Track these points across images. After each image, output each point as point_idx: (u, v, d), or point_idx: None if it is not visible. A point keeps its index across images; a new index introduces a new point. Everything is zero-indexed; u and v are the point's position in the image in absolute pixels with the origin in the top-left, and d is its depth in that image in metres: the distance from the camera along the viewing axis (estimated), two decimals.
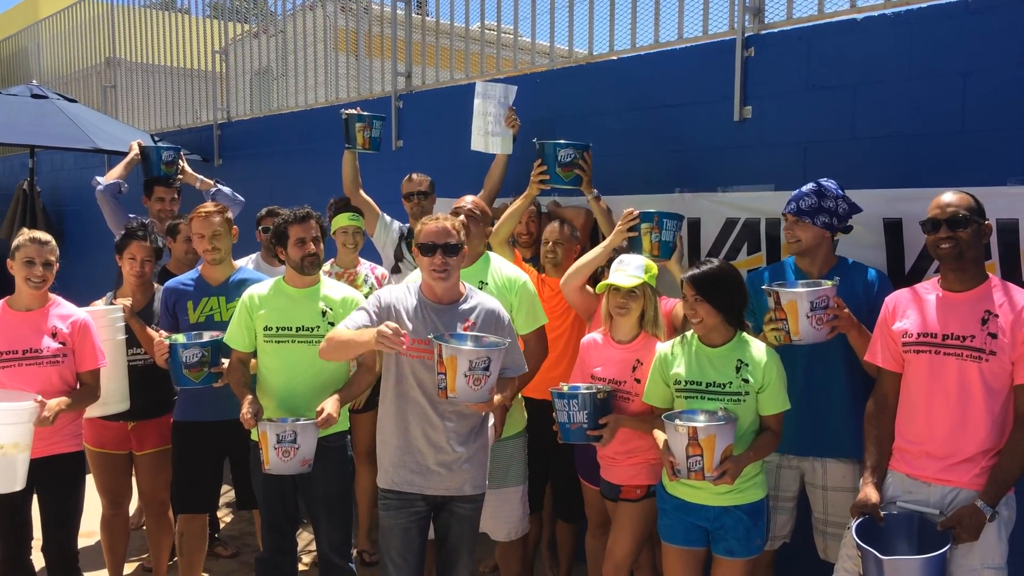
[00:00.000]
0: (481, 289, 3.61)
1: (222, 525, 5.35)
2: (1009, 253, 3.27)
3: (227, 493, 4.93)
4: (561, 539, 4.40)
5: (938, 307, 2.89)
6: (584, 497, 3.94)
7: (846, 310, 3.12)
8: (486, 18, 5.73)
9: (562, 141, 4.18)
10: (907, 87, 3.59)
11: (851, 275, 3.32)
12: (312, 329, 3.55)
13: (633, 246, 3.82)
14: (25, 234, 3.66)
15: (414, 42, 6.10)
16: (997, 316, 2.77)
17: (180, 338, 3.73)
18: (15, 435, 3.33)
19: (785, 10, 4.05)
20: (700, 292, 3.13)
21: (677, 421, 3.00)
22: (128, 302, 4.13)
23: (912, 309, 2.94)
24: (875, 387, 3.10)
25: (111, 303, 4.14)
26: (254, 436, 3.50)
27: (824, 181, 3.37)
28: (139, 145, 5.78)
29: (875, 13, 3.70)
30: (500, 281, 3.76)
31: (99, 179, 5.66)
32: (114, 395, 3.95)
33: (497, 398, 3.17)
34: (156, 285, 4.30)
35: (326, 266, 4.64)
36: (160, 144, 6.01)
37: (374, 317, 3.20)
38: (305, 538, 4.82)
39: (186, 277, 4.10)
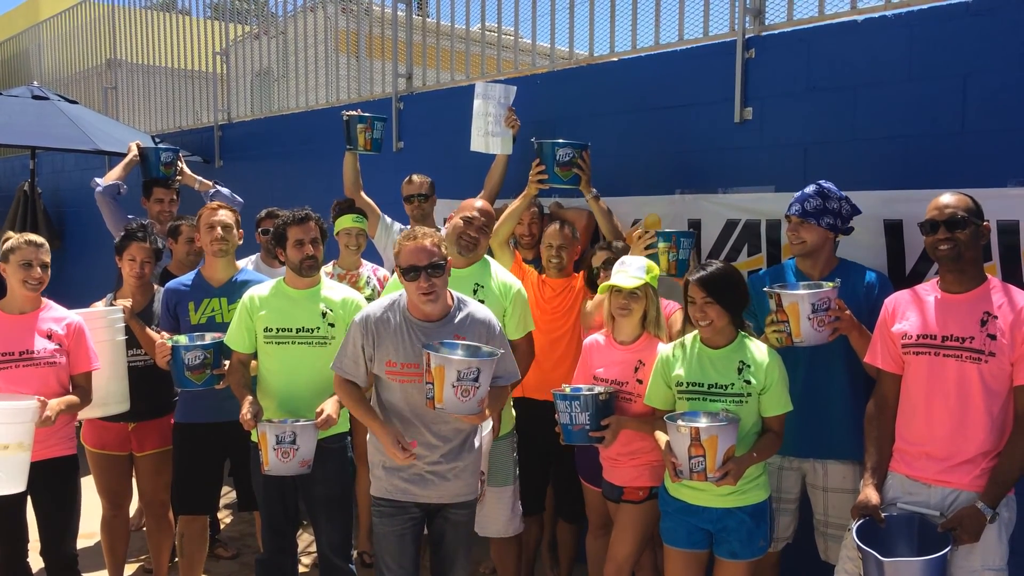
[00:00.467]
0: (478, 292, 3.60)
1: (222, 526, 5.35)
2: (1009, 254, 3.26)
3: (228, 494, 4.93)
4: (562, 540, 4.40)
5: (937, 308, 2.88)
6: (585, 498, 3.93)
7: (847, 312, 3.12)
8: (487, 19, 5.74)
9: (560, 140, 4.17)
10: (907, 88, 3.59)
11: (852, 277, 3.32)
12: (312, 330, 3.55)
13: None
14: (17, 237, 3.62)
15: (415, 43, 6.10)
16: (996, 317, 2.77)
17: (182, 340, 3.71)
18: (19, 434, 3.32)
19: (785, 11, 4.05)
20: (710, 294, 3.10)
21: (679, 422, 2.99)
22: (128, 303, 4.13)
23: (912, 310, 2.94)
24: (875, 388, 3.09)
25: (111, 304, 4.13)
26: (254, 437, 3.49)
27: (824, 183, 3.37)
28: (138, 146, 5.78)
29: (875, 15, 3.70)
30: (498, 286, 3.73)
31: (98, 180, 5.65)
32: (114, 396, 3.95)
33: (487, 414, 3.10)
34: (156, 286, 4.30)
35: (328, 267, 4.64)
36: (159, 145, 6.01)
37: (366, 348, 3.18)
38: (305, 539, 4.81)
39: (187, 278, 4.09)
